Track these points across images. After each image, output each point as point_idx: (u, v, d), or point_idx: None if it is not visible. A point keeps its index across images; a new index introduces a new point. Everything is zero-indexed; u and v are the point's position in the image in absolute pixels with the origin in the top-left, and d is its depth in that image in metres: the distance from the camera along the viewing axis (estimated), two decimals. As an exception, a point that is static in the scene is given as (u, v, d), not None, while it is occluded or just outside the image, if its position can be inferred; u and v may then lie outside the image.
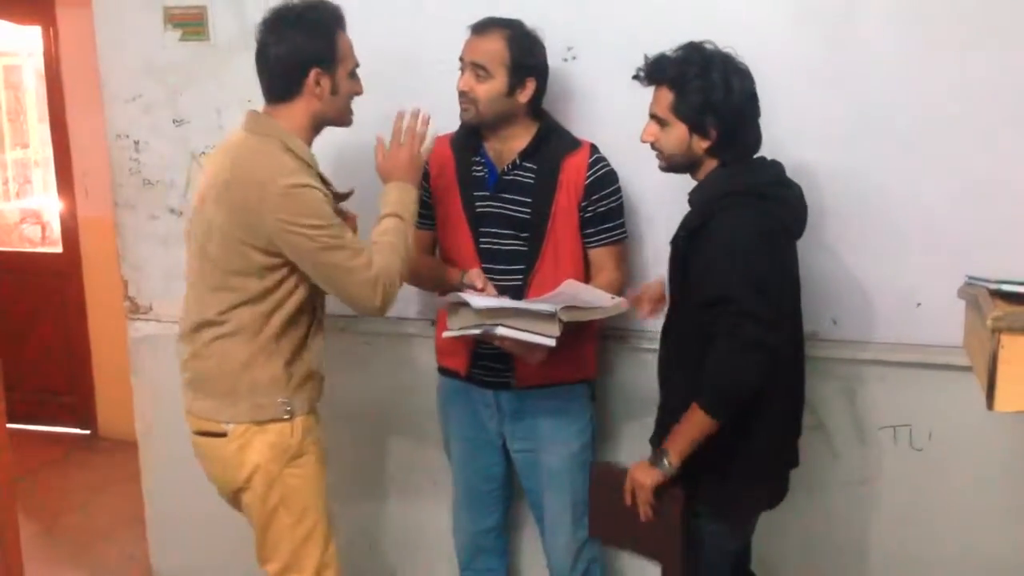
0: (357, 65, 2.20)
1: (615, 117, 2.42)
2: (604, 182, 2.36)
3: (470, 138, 2.40)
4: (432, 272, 2.48)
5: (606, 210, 2.37)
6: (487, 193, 2.39)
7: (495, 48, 2.28)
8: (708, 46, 2.03)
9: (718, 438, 1.99)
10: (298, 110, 2.13)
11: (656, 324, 2.29)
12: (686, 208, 2.11)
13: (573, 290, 2.29)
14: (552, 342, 2.14)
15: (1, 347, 2.70)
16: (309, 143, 2.16)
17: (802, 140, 2.34)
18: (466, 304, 2.22)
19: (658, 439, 2.10)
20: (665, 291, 2.20)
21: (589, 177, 2.35)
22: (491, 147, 2.39)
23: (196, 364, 2.20)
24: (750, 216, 1.99)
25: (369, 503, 2.99)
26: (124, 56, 2.94)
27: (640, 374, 2.46)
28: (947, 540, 2.49)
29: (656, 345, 2.25)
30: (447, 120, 2.41)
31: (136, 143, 2.98)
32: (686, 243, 2.05)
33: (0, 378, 2.65)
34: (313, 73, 2.10)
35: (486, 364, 2.43)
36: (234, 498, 2.23)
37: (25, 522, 3.06)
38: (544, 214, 2.35)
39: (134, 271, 3.07)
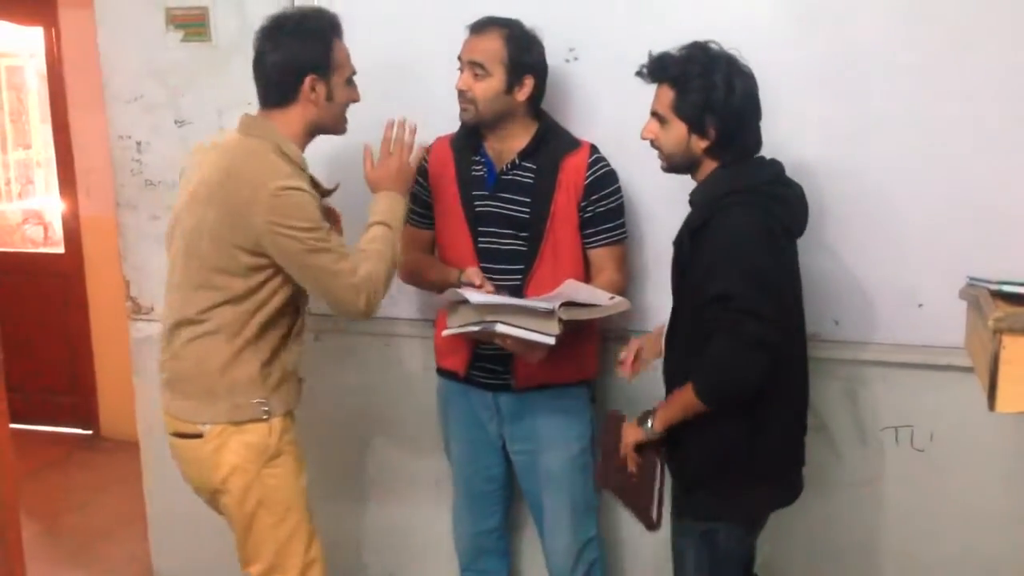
0: (354, 73, 2.21)
1: (616, 118, 2.42)
2: (604, 182, 2.36)
3: (470, 138, 2.41)
4: (430, 271, 2.48)
5: (606, 210, 2.37)
6: (486, 192, 2.39)
7: (493, 47, 2.28)
8: (713, 46, 2.03)
9: (730, 439, 2.01)
10: (293, 116, 2.14)
11: (656, 324, 2.29)
12: (686, 208, 2.11)
13: (573, 290, 2.28)
14: (552, 340, 2.13)
15: (3, 347, 2.69)
16: (302, 149, 2.17)
17: (802, 140, 2.34)
18: (465, 301, 2.21)
19: (663, 442, 2.11)
20: (662, 344, 2.20)
21: (589, 177, 2.35)
22: (491, 147, 2.40)
23: (174, 364, 2.20)
24: (751, 214, 1.99)
25: (369, 504, 2.98)
26: (126, 57, 2.95)
27: (641, 375, 2.44)
28: (949, 540, 2.48)
29: (656, 345, 2.24)
30: (447, 121, 2.41)
31: (138, 144, 2.98)
32: (688, 243, 2.05)
33: (2, 378, 2.65)
34: (308, 79, 2.11)
35: (485, 365, 2.43)
36: (212, 500, 2.23)
37: (27, 522, 3.06)
38: (543, 214, 2.35)
39: (136, 271, 3.07)
